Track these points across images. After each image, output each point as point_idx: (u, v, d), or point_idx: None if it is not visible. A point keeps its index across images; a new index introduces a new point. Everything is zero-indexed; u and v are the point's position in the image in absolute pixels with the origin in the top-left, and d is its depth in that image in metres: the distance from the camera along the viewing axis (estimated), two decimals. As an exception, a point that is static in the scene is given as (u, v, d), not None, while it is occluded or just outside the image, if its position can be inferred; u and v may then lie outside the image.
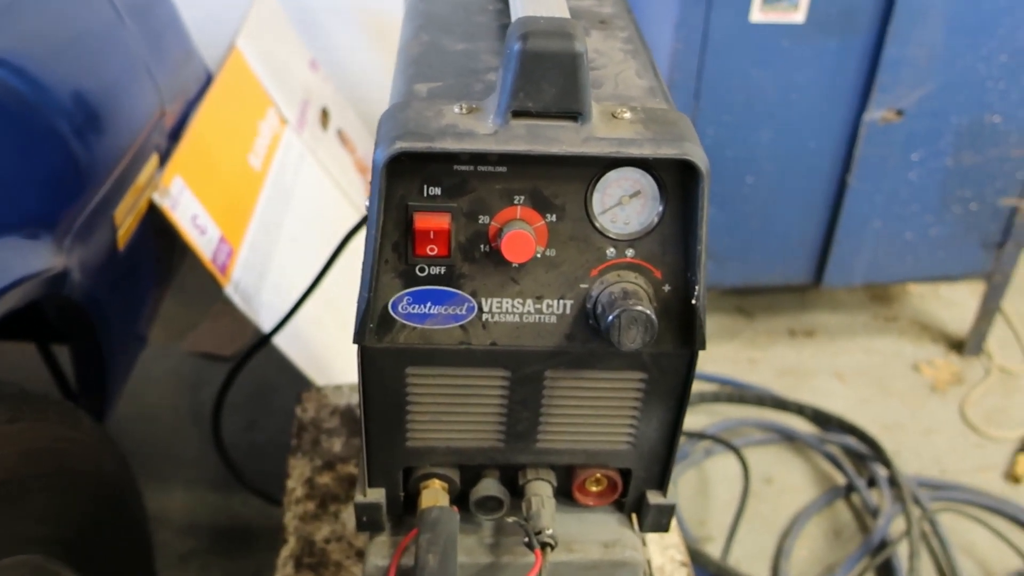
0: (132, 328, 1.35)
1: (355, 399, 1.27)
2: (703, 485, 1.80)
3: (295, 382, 1.51)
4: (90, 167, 1.17)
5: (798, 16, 1.62)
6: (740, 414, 1.94)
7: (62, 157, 1.13)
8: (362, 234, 1.11)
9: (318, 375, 1.50)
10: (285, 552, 1.01)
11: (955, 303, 2.32)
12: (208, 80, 1.71)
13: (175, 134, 1.48)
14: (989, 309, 2.08)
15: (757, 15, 1.62)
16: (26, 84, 1.11)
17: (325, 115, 2.11)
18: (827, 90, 1.72)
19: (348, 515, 1.06)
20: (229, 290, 1.40)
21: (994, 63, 1.70)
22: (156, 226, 1.35)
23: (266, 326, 1.42)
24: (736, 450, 1.72)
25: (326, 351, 1.57)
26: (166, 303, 1.61)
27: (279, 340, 1.41)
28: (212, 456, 1.80)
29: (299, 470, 1.13)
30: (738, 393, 1.98)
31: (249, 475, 1.59)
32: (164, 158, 1.41)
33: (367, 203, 0.59)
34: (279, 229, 1.66)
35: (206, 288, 1.70)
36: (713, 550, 1.65)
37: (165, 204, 1.31)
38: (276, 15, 2.08)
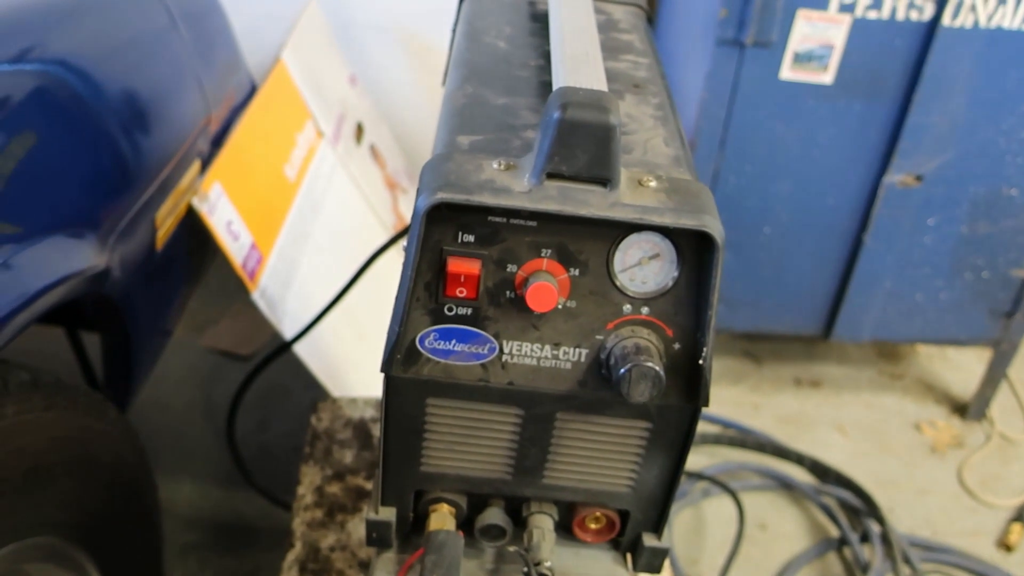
0: (161, 323, 1.40)
1: (368, 413, 1.32)
2: (698, 525, 1.83)
3: (308, 387, 1.55)
4: (137, 169, 1.23)
5: (827, 77, 1.66)
6: (740, 458, 1.98)
7: (112, 158, 1.18)
8: (387, 254, 1.16)
9: (333, 385, 1.55)
10: (291, 556, 1.05)
11: (961, 367, 2.34)
12: (252, 90, 1.77)
13: (218, 140, 1.54)
14: (995, 376, 2.10)
15: (787, 72, 1.66)
16: (84, 85, 1.16)
17: (360, 130, 2.17)
18: (849, 150, 1.76)
19: (354, 525, 1.10)
20: (256, 296, 1.45)
21: (1014, 138, 1.74)
22: (191, 227, 1.40)
23: (288, 333, 1.47)
24: (733, 493, 1.75)
25: (343, 362, 1.62)
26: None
27: (299, 348, 1.46)
28: (220, 452, 1.84)
29: (310, 478, 1.17)
30: (740, 437, 2.01)
31: (255, 475, 1.63)
32: (206, 163, 1.46)
33: (405, 244, 0.63)
34: (307, 239, 1.71)
35: (228, 286, 1.75)
36: (702, 590, 1.68)
37: (203, 209, 1.36)
38: (321, 30, 2.14)
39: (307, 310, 1.53)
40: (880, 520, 1.79)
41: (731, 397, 2.15)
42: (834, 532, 1.84)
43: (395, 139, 2.42)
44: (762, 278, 1.95)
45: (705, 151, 1.77)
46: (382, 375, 0.67)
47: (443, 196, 0.60)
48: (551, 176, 0.61)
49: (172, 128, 1.34)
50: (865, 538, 1.80)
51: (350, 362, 1.64)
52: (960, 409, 2.20)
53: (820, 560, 1.78)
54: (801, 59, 1.65)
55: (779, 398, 2.18)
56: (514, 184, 0.62)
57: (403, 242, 0.64)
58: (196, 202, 1.36)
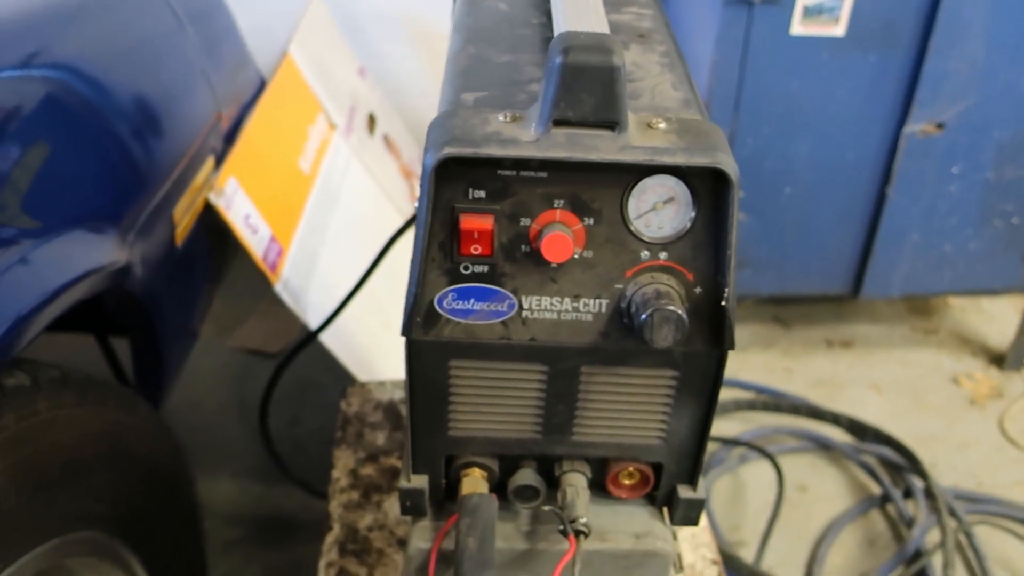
0: (187, 319, 1.41)
1: (397, 395, 1.32)
2: (737, 491, 1.82)
3: (337, 379, 1.55)
4: (151, 167, 1.24)
5: (838, 29, 1.64)
6: (775, 422, 1.95)
7: (124, 157, 1.19)
8: (406, 237, 1.16)
9: (361, 372, 1.55)
10: (330, 538, 1.05)
11: (996, 317, 2.30)
12: (262, 85, 1.77)
13: (230, 137, 1.55)
14: (1031, 324, 2.06)
15: (797, 28, 1.64)
16: (91, 89, 1.17)
17: (372, 121, 2.17)
18: (866, 103, 1.73)
19: (390, 505, 1.10)
20: (279, 288, 1.45)
21: (1036, 78, 1.71)
22: (210, 225, 1.41)
23: (313, 324, 1.48)
24: (771, 457, 1.73)
25: (369, 348, 1.62)
26: (215, 300, 1.67)
27: (325, 337, 1.46)
28: (256, 448, 1.86)
29: (343, 461, 1.18)
30: (774, 401, 1.99)
31: (292, 468, 1.64)
32: (219, 160, 1.47)
33: (416, 205, 0.63)
34: (325, 230, 1.71)
35: (252, 286, 1.76)
36: (746, 555, 1.67)
37: (220, 204, 1.37)
38: (327, 23, 2.14)
39: (330, 300, 1.54)
40: (922, 474, 1.77)
41: (762, 362, 2.13)
42: (876, 490, 1.81)
43: (408, 128, 2.42)
44: (786, 239, 1.92)
45: (720, 115, 1.74)
46: (402, 340, 0.67)
47: (450, 151, 0.60)
48: (558, 123, 0.60)
49: (183, 126, 1.35)
50: (908, 494, 1.78)
51: (377, 350, 1.65)
52: (997, 360, 2.16)
53: (863, 518, 1.76)
54: (811, 13, 1.63)
55: (811, 361, 2.16)
56: (521, 134, 0.61)
57: (412, 204, 0.63)
58: (213, 197, 1.36)
